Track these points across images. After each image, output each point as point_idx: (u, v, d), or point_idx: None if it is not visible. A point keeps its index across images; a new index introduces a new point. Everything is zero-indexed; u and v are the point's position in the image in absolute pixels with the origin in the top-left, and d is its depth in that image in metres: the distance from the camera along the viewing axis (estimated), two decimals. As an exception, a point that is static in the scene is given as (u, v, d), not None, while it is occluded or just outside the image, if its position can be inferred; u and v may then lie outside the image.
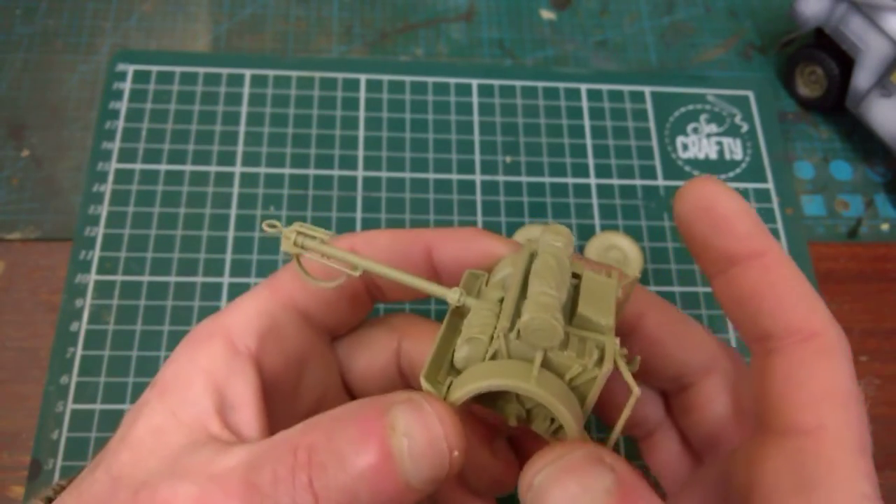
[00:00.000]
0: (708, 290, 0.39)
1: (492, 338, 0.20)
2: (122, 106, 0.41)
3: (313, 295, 0.24)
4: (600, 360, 0.19)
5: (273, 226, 0.21)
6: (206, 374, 0.21)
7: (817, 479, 0.18)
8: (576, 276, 0.22)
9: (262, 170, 0.40)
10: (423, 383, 0.20)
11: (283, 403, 0.23)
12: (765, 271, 0.21)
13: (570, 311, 0.21)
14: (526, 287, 0.20)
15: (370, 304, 0.26)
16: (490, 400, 0.21)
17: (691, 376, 0.24)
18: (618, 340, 0.20)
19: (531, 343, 0.19)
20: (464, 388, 0.19)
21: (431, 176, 0.41)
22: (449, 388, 0.20)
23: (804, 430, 0.19)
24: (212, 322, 0.23)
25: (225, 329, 0.22)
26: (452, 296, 0.21)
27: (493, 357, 0.20)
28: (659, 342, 0.24)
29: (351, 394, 0.27)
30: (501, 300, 0.21)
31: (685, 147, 0.43)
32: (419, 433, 0.18)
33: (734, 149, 0.44)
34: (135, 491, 0.19)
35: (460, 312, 0.22)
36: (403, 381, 0.26)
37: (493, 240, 0.24)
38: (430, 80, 0.44)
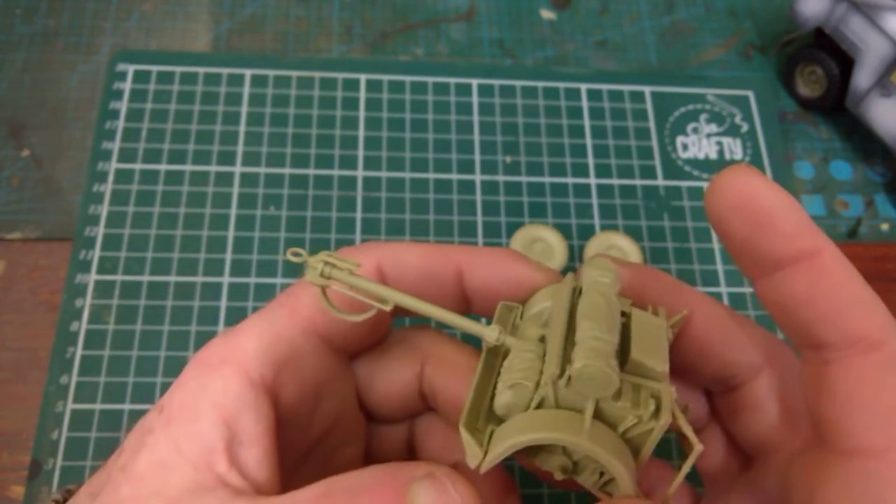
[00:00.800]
0: (710, 289, 0.39)
1: (537, 384, 0.18)
2: (123, 106, 0.41)
3: (335, 320, 0.22)
4: (657, 412, 0.18)
5: (298, 254, 0.20)
6: (216, 406, 0.20)
7: None
8: (623, 314, 0.20)
9: (262, 170, 0.40)
10: (463, 433, 0.18)
11: (296, 431, 0.22)
12: (817, 274, 0.18)
13: (622, 355, 0.19)
14: (571, 327, 0.19)
15: (391, 320, 0.25)
16: (534, 451, 0.19)
17: (740, 377, 0.22)
18: (674, 389, 0.18)
19: (582, 392, 0.18)
20: (507, 442, 0.18)
21: (431, 176, 0.41)
22: (490, 437, 0.19)
23: (873, 453, 0.17)
24: (225, 345, 0.21)
25: (240, 355, 0.21)
26: (491, 334, 0.19)
27: (539, 405, 0.18)
28: (706, 344, 0.22)
29: (366, 411, 0.25)
30: (541, 338, 0.20)
31: (685, 147, 0.43)
32: (436, 499, 0.17)
33: (734, 149, 0.44)
34: None
35: (497, 351, 0.20)
36: (424, 403, 0.25)
37: (529, 267, 0.22)
38: (430, 79, 0.44)
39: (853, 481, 0.17)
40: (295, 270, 0.38)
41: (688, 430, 0.18)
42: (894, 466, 0.17)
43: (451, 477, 0.18)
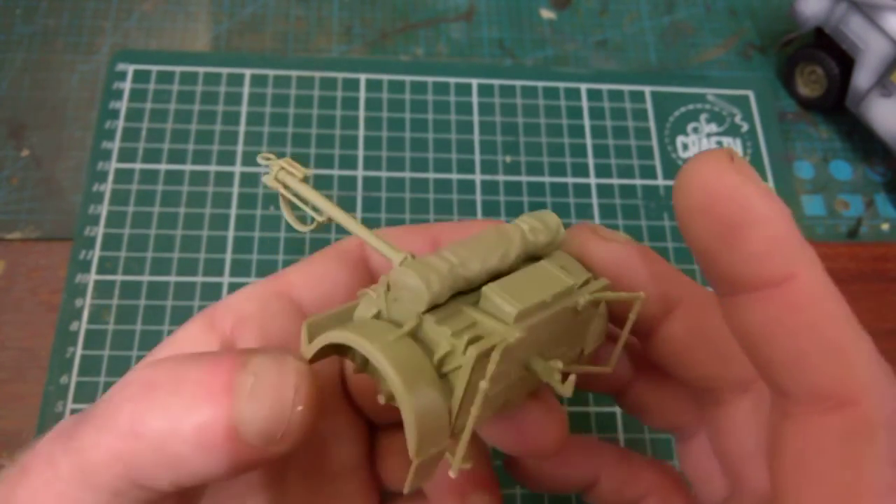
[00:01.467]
0: (710, 290, 0.39)
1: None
2: (122, 105, 0.41)
3: (311, 291, 0.22)
4: (469, 345, 0.16)
5: (268, 158, 0.21)
6: (174, 347, 0.21)
7: None
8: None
9: (263, 169, 0.40)
10: (302, 328, 0.18)
11: None
12: (783, 308, 0.15)
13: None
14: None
15: None
16: (363, 363, 0.18)
17: (723, 393, 0.19)
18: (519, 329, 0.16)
19: (401, 304, 0.17)
20: (320, 337, 0.17)
21: (431, 175, 0.41)
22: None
23: None
24: (216, 302, 0.22)
25: (209, 312, 0.22)
26: (396, 257, 0.18)
27: (377, 317, 0.18)
28: (687, 349, 0.19)
29: (352, 403, 0.24)
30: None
31: (685, 147, 0.43)
32: (267, 373, 0.16)
33: (734, 148, 0.43)
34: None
35: None
36: None
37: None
38: (430, 79, 0.44)
39: None
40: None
41: (549, 378, 0.17)
42: None
43: (296, 354, 0.17)
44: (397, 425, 0.23)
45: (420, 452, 0.16)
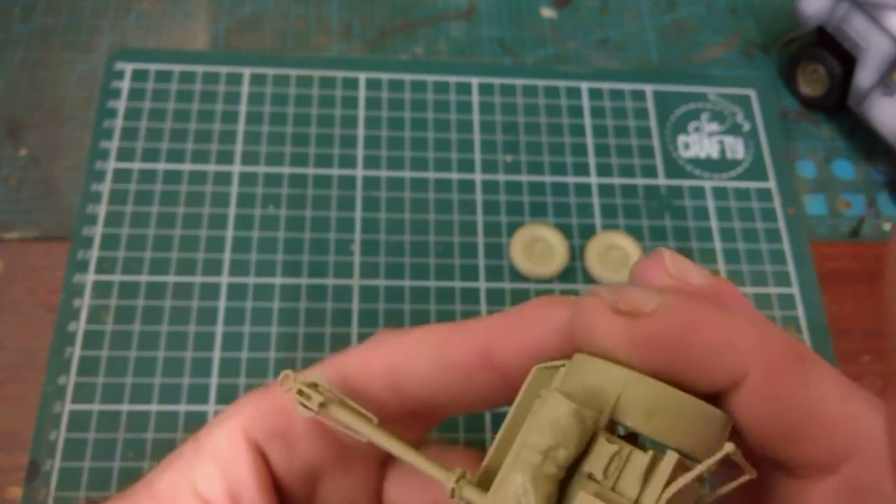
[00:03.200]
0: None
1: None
2: (121, 105, 0.41)
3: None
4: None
5: (287, 377, 0.19)
6: (217, 452, 0.20)
7: None
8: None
9: (261, 169, 0.40)
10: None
11: None
12: (754, 400, 0.15)
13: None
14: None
15: (430, 423, 0.22)
16: None
17: (804, 471, 0.16)
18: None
19: None
20: None
21: (431, 175, 0.41)
22: None
23: None
24: (248, 397, 0.21)
25: (241, 412, 0.20)
26: (448, 480, 0.16)
27: None
28: (759, 428, 0.16)
29: None
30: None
31: (686, 146, 0.43)
32: None
33: (735, 148, 0.43)
34: None
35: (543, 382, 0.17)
36: None
37: (565, 309, 0.17)
38: (430, 78, 0.44)
39: None
40: (293, 269, 0.38)
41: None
42: None
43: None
44: None
45: None
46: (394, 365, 0.19)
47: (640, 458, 0.14)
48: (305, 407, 0.19)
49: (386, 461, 0.22)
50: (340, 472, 0.21)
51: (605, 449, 0.15)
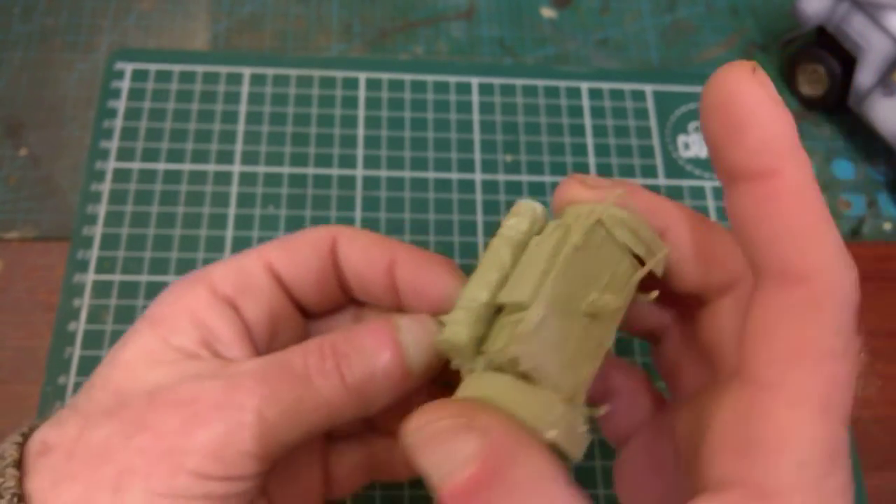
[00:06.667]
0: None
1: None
2: (121, 105, 0.41)
3: (288, 271, 0.25)
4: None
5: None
6: (192, 311, 0.23)
7: (759, 439, 0.16)
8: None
9: (261, 169, 0.40)
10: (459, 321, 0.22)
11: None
12: (766, 197, 0.17)
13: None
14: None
15: (343, 300, 0.26)
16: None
17: (708, 295, 0.22)
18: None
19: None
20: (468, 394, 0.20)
21: (431, 175, 0.41)
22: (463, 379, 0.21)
23: (761, 386, 0.17)
24: (197, 272, 0.24)
25: (208, 276, 0.24)
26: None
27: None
28: (681, 260, 0.22)
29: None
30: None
31: (686, 146, 0.43)
32: (418, 329, 0.23)
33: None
34: (148, 394, 0.21)
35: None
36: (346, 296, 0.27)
37: (452, 278, 0.25)
38: (430, 78, 0.44)
39: (737, 412, 0.17)
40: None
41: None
42: (774, 401, 0.16)
43: (425, 315, 0.23)
44: None
45: None
46: (337, 237, 0.25)
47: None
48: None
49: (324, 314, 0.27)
50: (286, 325, 0.25)
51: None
